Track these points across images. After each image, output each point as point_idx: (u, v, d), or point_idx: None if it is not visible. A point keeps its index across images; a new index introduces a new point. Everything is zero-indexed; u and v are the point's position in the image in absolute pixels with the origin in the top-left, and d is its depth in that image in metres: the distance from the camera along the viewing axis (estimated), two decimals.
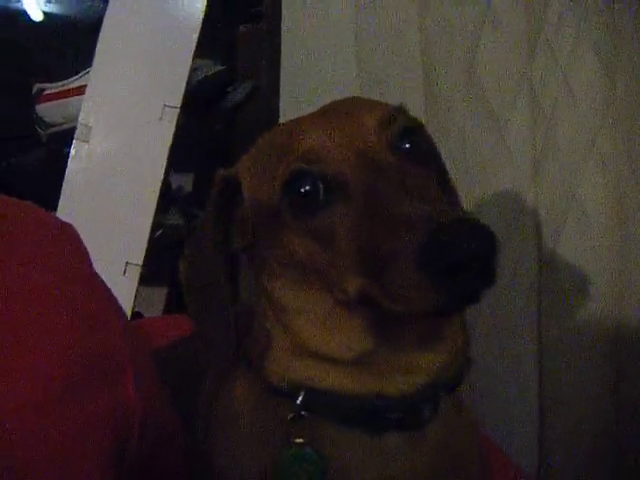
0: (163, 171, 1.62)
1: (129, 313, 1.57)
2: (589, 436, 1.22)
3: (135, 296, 1.61)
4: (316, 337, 0.73)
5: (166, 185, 1.83)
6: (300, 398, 0.74)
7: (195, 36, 1.61)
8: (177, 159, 1.80)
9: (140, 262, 1.61)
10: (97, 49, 1.63)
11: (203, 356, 0.84)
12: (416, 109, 1.25)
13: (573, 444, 1.24)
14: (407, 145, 0.71)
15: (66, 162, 1.69)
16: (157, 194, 1.61)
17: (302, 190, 0.68)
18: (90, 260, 0.86)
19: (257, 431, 0.78)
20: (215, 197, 0.79)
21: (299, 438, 0.73)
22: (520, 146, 1.14)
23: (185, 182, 2.27)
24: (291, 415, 0.74)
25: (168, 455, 0.76)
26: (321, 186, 0.68)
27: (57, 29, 2.47)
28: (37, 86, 1.90)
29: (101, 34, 1.64)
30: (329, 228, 0.67)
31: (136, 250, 1.61)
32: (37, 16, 2.56)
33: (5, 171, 2.23)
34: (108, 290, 0.83)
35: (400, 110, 0.76)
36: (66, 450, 0.62)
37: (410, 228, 0.58)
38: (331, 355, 0.72)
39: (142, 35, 1.64)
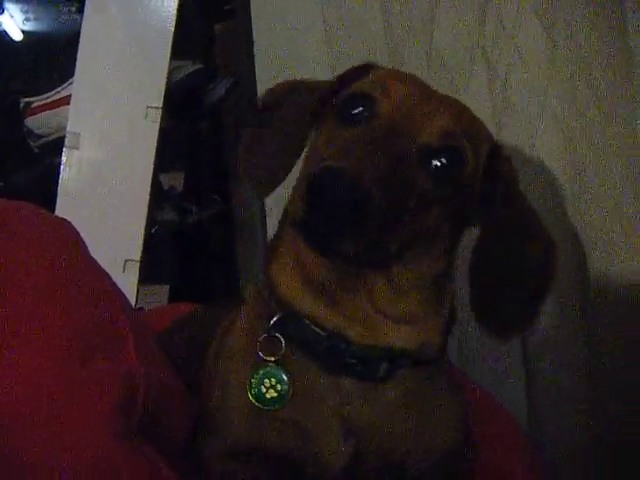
0: (152, 168, 1.69)
1: None
2: (573, 383, 1.29)
3: (137, 293, 1.69)
4: (294, 246, 0.83)
5: (158, 184, 1.91)
6: (274, 319, 0.82)
7: (170, 37, 1.68)
8: (166, 160, 1.87)
9: (138, 258, 1.68)
10: (78, 58, 1.70)
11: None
12: None
13: (560, 392, 1.31)
14: (438, 163, 0.76)
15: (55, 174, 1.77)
16: (149, 190, 1.68)
17: (353, 110, 0.79)
18: (87, 248, 0.93)
19: (246, 360, 0.86)
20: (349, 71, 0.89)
21: (271, 357, 0.82)
22: (480, 109, 1.21)
23: (176, 181, 2.33)
24: (264, 335, 0.82)
25: (171, 414, 0.84)
26: (366, 118, 0.78)
27: (37, 45, 2.54)
28: (24, 100, 1.96)
29: (80, 44, 1.71)
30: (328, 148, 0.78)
31: (133, 247, 1.68)
32: (17, 36, 2.63)
33: (3, 191, 2.29)
34: (106, 273, 0.91)
35: (493, 145, 0.85)
36: (71, 408, 0.69)
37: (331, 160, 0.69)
38: (300, 263, 0.82)
39: (119, 41, 1.70)
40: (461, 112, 0.83)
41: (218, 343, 0.95)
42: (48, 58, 2.19)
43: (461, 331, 1.36)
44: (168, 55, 1.69)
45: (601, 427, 1.23)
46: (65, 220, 0.96)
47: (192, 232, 2.23)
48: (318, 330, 0.80)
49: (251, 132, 0.90)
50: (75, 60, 1.73)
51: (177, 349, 1.00)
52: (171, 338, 1.11)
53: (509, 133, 1.20)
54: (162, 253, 2.03)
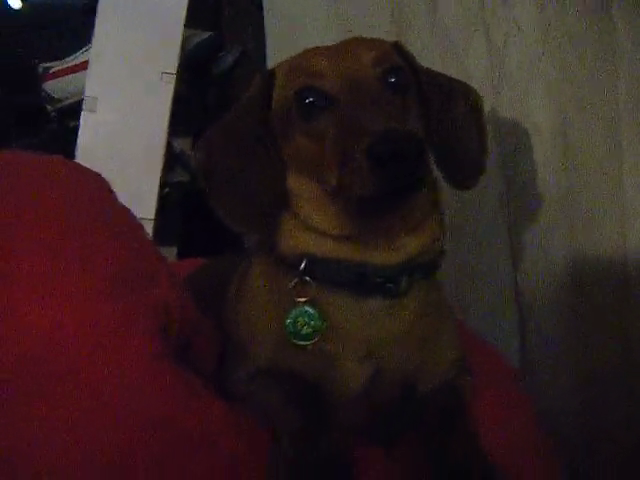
0: (166, 131, 1.78)
1: None
2: (566, 330, 1.38)
3: None
4: (312, 216, 0.92)
5: (170, 147, 1.99)
6: (302, 265, 0.92)
7: (185, 5, 1.76)
8: (176, 124, 1.95)
9: (152, 216, 1.78)
10: (96, 25, 1.78)
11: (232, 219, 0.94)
12: None
13: (553, 341, 1.40)
14: (392, 79, 0.90)
15: (71, 136, 1.85)
16: (163, 152, 1.78)
17: (307, 100, 0.88)
18: (117, 197, 1.03)
19: (270, 299, 0.97)
20: (260, 84, 0.97)
21: (302, 298, 0.92)
22: (480, 77, 1.32)
23: (185, 146, 2.41)
24: (295, 280, 0.92)
25: (201, 342, 0.94)
26: (320, 99, 0.88)
27: (49, 14, 2.61)
28: (42, 66, 2.04)
29: (98, 11, 1.79)
30: (320, 131, 0.87)
31: (148, 206, 1.78)
32: (16, 4, 2.70)
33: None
34: (136, 218, 1.00)
35: (397, 46, 0.98)
36: (115, 333, 0.79)
37: (366, 133, 0.78)
38: (323, 230, 0.91)
39: (136, 8, 1.78)
40: (367, 40, 0.97)
41: (237, 286, 1.05)
42: (65, 25, 2.25)
43: (455, 281, 1.46)
44: (182, 23, 1.78)
45: (590, 370, 1.32)
46: (96, 173, 1.05)
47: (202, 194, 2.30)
48: (346, 264, 0.91)
49: (215, 183, 0.95)
50: (92, 27, 1.81)
51: (198, 291, 1.09)
52: (191, 282, 1.20)
53: (505, 97, 1.29)
54: (173, 214, 2.12)
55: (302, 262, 0.92)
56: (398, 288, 0.92)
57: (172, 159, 2.04)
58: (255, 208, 0.94)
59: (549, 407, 1.39)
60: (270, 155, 0.94)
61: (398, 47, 0.99)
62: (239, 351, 0.98)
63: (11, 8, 2.70)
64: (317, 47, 0.96)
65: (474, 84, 1.25)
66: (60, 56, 2.09)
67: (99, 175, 1.04)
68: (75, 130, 1.88)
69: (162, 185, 1.83)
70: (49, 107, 2.07)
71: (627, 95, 1.07)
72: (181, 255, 2.23)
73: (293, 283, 0.93)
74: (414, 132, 0.80)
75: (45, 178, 0.96)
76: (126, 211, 0.99)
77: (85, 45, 2.00)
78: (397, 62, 0.93)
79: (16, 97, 2.47)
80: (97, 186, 1.00)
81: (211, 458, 0.77)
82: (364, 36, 0.99)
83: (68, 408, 0.74)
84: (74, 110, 1.95)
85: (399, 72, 0.91)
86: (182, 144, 2.20)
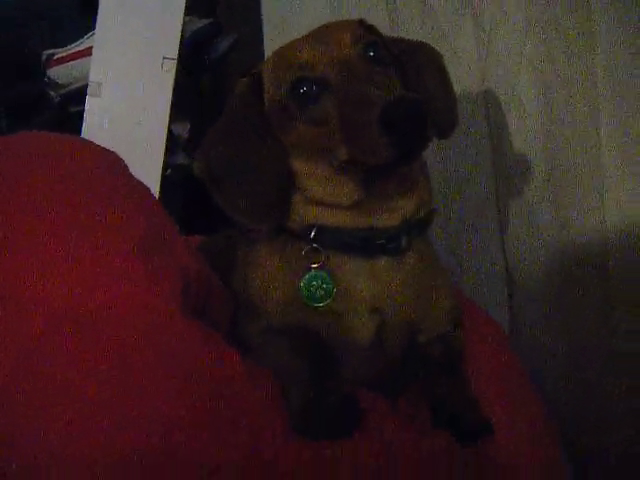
0: (168, 115, 1.85)
1: None
2: (553, 299, 1.45)
3: None
4: (322, 191, 1.00)
5: (169, 131, 2.06)
6: (312, 233, 1.01)
7: None
8: (173, 109, 2.01)
9: (156, 197, 1.85)
10: (99, 12, 1.84)
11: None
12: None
13: (540, 311, 1.48)
14: (371, 53, 0.98)
15: (73, 121, 1.92)
16: (165, 135, 1.84)
17: (301, 90, 0.96)
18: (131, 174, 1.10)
19: (281, 264, 1.05)
20: (248, 84, 1.04)
21: (315, 264, 1.01)
22: (468, 58, 1.39)
23: (183, 130, 2.47)
24: (307, 248, 1.01)
25: (215, 304, 1.02)
26: (314, 86, 0.95)
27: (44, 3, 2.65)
28: (46, 53, 2.10)
29: None
30: (322, 114, 0.94)
31: (151, 187, 1.83)
32: None
33: None
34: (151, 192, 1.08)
35: (362, 23, 1.05)
36: (144, 293, 0.86)
37: (372, 105, 0.85)
38: (333, 203, 1.00)
39: None
40: (339, 23, 1.05)
41: (244, 256, 1.13)
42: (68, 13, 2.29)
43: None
44: (183, 9, 1.84)
45: (576, 339, 1.40)
46: (113, 152, 1.12)
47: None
48: (353, 230, 1.00)
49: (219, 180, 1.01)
50: (95, 14, 1.88)
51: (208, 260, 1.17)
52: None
53: (492, 79, 1.37)
54: (175, 196, 2.18)
55: (311, 232, 1.01)
56: (399, 247, 1.01)
57: (172, 142, 2.10)
58: (266, 197, 1.01)
59: (536, 377, 1.46)
60: (271, 146, 1.01)
61: (364, 24, 1.07)
62: (250, 312, 1.07)
63: None
64: (296, 40, 1.03)
65: (463, 66, 1.34)
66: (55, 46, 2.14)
67: (114, 153, 1.11)
68: (76, 116, 1.95)
69: (165, 167, 1.90)
70: (53, 93, 2.13)
71: (604, 71, 1.15)
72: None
73: (305, 250, 1.01)
74: (417, 95, 0.88)
75: (64, 154, 1.03)
76: (142, 185, 1.07)
77: (81, 37, 2.07)
78: (371, 37, 1.01)
79: (12, 87, 2.50)
80: (114, 162, 1.08)
81: (237, 407, 0.85)
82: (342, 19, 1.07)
83: (104, 364, 0.81)
84: (77, 96, 2.01)
85: (375, 46, 0.99)
86: (178, 129, 2.27)
